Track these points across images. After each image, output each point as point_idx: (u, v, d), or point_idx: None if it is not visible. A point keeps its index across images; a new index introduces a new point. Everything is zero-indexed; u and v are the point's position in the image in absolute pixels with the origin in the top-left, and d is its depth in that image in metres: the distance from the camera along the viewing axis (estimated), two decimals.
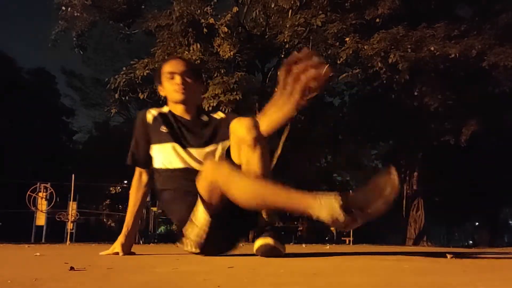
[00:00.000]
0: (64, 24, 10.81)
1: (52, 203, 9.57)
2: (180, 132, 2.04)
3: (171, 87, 2.07)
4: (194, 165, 1.96)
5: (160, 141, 2.02)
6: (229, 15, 9.35)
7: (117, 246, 2.10)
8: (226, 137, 1.90)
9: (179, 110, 2.10)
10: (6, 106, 17.43)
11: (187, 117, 2.10)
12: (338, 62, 9.70)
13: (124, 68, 9.81)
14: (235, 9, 9.74)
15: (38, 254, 2.23)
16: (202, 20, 9.29)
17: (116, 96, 9.81)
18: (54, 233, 10.85)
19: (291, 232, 16.09)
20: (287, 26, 9.36)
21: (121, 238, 2.14)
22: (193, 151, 1.99)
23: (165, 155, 2.00)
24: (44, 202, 9.56)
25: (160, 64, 2.15)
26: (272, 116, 1.73)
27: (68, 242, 8.33)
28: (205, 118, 2.15)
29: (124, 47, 17.66)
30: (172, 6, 9.87)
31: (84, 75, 23.00)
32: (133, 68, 9.56)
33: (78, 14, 10.57)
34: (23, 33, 58.61)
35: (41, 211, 9.70)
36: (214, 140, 2.05)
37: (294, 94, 1.65)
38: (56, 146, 20.17)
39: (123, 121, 21.77)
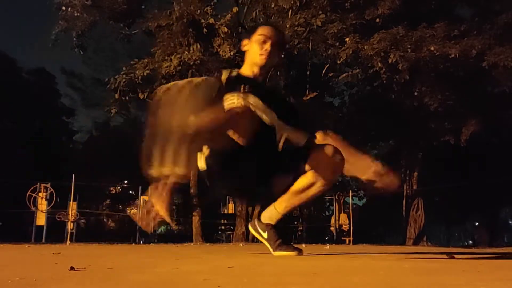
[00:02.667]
0: (64, 24, 10.79)
1: (52, 203, 9.58)
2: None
3: (257, 50, 2.15)
4: None
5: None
6: (229, 15, 9.34)
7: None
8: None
9: (253, 71, 2.18)
10: (6, 106, 17.43)
11: (258, 79, 2.17)
12: (338, 62, 9.69)
13: (124, 68, 9.79)
14: (235, 9, 9.73)
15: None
16: (202, 20, 9.28)
17: (116, 96, 9.79)
18: (54, 233, 10.86)
19: (291, 232, 16.08)
20: (287, 26, 9.35)
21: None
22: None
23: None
24: (44, 202, 9.57)
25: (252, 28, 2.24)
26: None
27: (68, 242, 8.33)
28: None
29: (124, 47, 17.63)
30: (172, 6, 9.86)
31: (84, 75, 23.03)
32: (133, 68, 9.55)
33: (78, 14, 10.56)
34: (23, 33, 58.50)
35: (41, 211, 9.70)
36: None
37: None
38: (56, 146, 20.16)
39: (123, 121, 21.77)
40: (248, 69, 2.18)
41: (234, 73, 2.15)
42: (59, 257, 2.01)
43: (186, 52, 9.05)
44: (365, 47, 8.91)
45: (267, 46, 2.13)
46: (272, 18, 10.43)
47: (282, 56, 2.37)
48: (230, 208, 15.27)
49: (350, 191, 14.59)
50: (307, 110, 11.44)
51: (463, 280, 1.08)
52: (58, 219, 9.35)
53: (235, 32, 9.64)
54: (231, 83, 2.03)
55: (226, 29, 9.10)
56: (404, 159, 14.90)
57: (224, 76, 2.09)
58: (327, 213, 22.49)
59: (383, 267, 1.47)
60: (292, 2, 9.53)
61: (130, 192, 22.17)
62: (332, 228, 13.80)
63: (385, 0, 9.25)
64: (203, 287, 0.96)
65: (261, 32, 2.16)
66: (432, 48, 8.83)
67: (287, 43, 2.33)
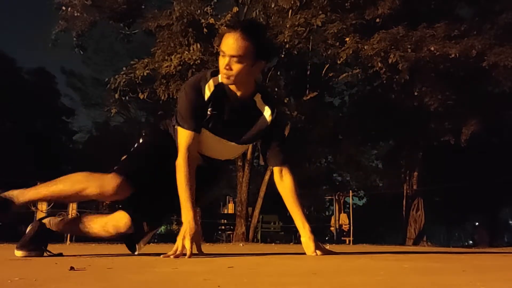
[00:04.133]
0: (64, 24, 10.79)
1: (52, 203, 9.56)
2: (223, 121, 1.95)
3: (220, 64, 1.88)
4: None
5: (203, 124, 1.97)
6: (229, 15, 9.34)
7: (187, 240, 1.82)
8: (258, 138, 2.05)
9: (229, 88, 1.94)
10: (6, 106, 17.43)
11: (239, 93, 1.93)
12: (338, 62, 9.69)
13: (124, 68, 9.80)
14: (235, 9, 9.74)
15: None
16: (202, 20, 9.28)
17: (116, 96, 9.80)
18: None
19: (291, 232, 16.11)
20: (287, 26, 9.35)
21: (191, 230, 1.82)
22: (226, 143, 2.02)
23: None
24: (44, 202, 9.56)
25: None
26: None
27: (68, 242, 8.33)
28: (258, 103, 2.00)
29: (124, 47, 17.63)
30: (172, 6, 9.86)
31: (84, 75, 22.98)
32: (133, 68, 9.55)
33: (78, 14, 10.56)
34: (23, 33, 58.60)
35: (41, 211, 9.70)
36: (250, 142, 2.09)
37: None
38: (56, 146, 20.15)
39: (123, 121, 21.77)
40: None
41: (211, 89, 1.97)
42: (59, 257, 2.01)
43: (186, 52, 9.04)
44: (365, 47, 8.91)
45: (225, 61, 1.82)
46: (272, 18, 10.43)
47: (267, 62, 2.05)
48: (230, 208, 15.28)
49: (350, 191, 14.60)
50: (306, 110, 11.45)
51: (463, 280, 1.08)
52: None
53: None
54: (212, 102, 1.95)
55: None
56: (404, 159, 14.91)
57: (207, 92, 1.97)
58: (327, 213, 22.52)
59: (383, 267, 1.47)
60: (292, 2, 9.53)
61: None
62: (332, 228, 13.81)
63: (385, 0, 9.25)
64: (203, 287, 0.96)
65: (221, 43, 1.81)
66: (432, 48, 8.83)
67: (263, 47, 1.90)
